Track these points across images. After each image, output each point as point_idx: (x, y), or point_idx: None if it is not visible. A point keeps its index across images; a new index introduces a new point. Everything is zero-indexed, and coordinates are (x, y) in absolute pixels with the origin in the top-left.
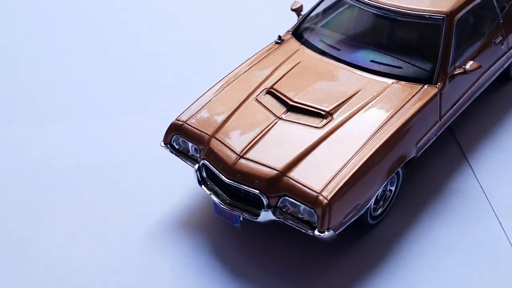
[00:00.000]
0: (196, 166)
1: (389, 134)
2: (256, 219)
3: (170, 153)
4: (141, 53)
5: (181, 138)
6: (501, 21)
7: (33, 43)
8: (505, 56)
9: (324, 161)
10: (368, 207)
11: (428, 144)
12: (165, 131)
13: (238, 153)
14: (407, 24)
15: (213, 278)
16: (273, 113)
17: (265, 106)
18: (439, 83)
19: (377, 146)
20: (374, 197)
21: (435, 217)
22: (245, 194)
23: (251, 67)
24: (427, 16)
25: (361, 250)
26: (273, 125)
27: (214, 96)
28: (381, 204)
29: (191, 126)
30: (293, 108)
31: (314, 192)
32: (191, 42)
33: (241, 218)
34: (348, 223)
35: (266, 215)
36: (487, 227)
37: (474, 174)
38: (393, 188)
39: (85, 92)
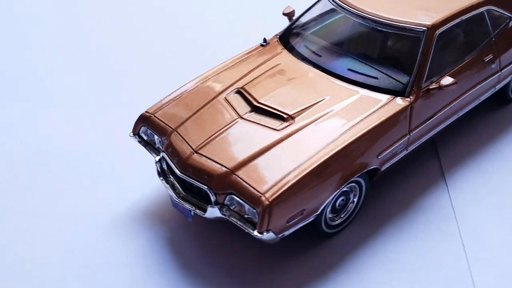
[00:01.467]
0: (157, 158)
1: (345, 143)
2: (204, 214)
3: (138, 143)
4: (126, 46)
5: (149, 130)
6: (494, 40)
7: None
8: (496, 76)
9: (275, 164)
10: (319, 214)
11: (398, 158)
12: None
13: (193, 148)
14: (389, 35)
15: (164, 270)
16: (237, 112)
17: (231, 105)
18: (411, 97)
19: (331, 153)
20: (324, 204)
21: (398, 233)
22: (197, 189)
23: (229, 67)
24: (408, 28)
25: (314, 258)
26: (233, 124)
27: (187, 92)
28: (341, 215)
29: (158, 118)
30: (256, 109)
31: (257, 192)
32: (178, 39)
33: (192, 213)
34: (294, 228)
35: (213, 211)
36: (449, 248)
37: (449, 194)
38: (356, 200)
39: (66, 82)
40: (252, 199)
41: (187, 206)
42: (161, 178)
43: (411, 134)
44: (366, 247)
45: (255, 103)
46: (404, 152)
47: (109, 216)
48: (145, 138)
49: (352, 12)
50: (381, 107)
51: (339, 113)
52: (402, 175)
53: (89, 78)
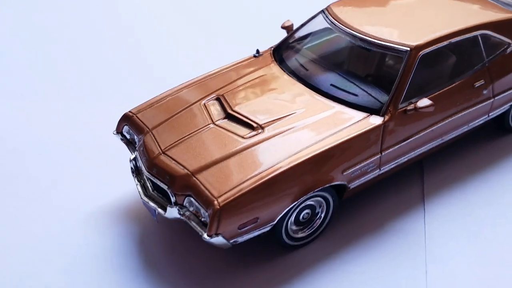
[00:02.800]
0: (132, 156)
1: (307, 156)
2: (165, 214)
3: (121, 141)
4: (122, 46)
5: (130, 129)
6: (487, 65)
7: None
8: (488, 103)
9: (235, 170)
10: (277, 225)
11: (370, 177)
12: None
13: (162, 148)
14: (375, 53)
15: (127, 265)
16: (211, 118)
17: (208, 111)
18: (386, 116)
19: (290, 165)
20: (281, 215)
21: (363, 252)
22: (163, 189)
23: (216, 74)
24: (391, 47)
25: (273, 268)
26: (204, 129)
27: (170, 96)
28: (305, 230)
29: (138, 118)
30: (230, 116)
31: (211, 196)
32: (176, 44)
33: (156, 212)
34: (248, 235)
35: (172, 212)
36: (411, 273)
37: (424, 219)
38: (322, 215)
39: (57, 76)
40: (206, 202)
41: (152, 204)
42: (134, 176)
43: (383, 153)
44: (328, 263)
45: (229, 111)
46: (377, 172)
47: (89, 210)
48: (128, 137)
49: (341, 28)
50: (353, 124)
51: (309, 127)
52: (382, 194)
53: (85, 74)
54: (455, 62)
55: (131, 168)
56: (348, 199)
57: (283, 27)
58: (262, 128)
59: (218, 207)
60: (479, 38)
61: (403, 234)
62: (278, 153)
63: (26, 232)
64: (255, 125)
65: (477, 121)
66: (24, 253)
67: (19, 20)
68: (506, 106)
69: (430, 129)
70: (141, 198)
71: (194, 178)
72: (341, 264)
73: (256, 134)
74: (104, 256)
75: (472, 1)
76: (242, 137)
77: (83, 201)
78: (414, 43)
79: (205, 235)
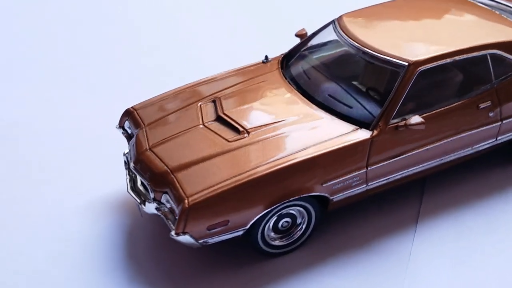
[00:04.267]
0: (126, 150)
1: (284, 164)
2: (144, 208)
3: (122, 135)
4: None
5: (130, 124)
6: (495, 86)
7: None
8: (495, 126)
9: (214, 171)
10: (251, 230)
11: (355, 191)
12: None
13: (150, 145)
14: (376, 66)
15: (110, 256)
16: (202, 119)
17: (201, 112)
18: (375, 130)
19: (265, 172)
20: (254, 220)
21: (343, 267)
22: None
23: (220, 77)
24: (390, 61)
25: (250, 272)
26: (193, 130)
27: (172, 95)
28: (284, 238)
29: (138, 114)
30: (219, 119)
31: (184, 194)
32: (197, 43)
33: (140, 206)
34: (219, 237)
35: (150, 207)
36: None
37: (413, 241)
38: (304, 226)
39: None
40: (178, 200)
41: (135, 197)
42: (126, 169)
43: (368, 168)
44: (305, 273)
45: (220, 113)
46: (364, 187)
47: (88, 199)
48: (129, 131)
49: (345, 39)
50: (339, 136)
51: (294, 135)
52: (375, 211)
53: (98, 68)
54: (460, 80)
55: (124, 161)
56: (339, 212)
57: (296, 35)
58: (248, 132)
59: (187, 205)
60: (488, 58)
61: (388, 253)
62: (257, 158)
63: (24, 216)
64: (241, 129)
65: (482, 144)
66: (20, 235)
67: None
68: None
69: (425, 148)
70: (128, 191)
71: (172, 176)
72: (318, 276)
73: (241, 138)
74: (92, 245)
75: (490, 19)
76: (227, 140)
77: (84, 190)
78: (413, 58)
79: (172, 233)
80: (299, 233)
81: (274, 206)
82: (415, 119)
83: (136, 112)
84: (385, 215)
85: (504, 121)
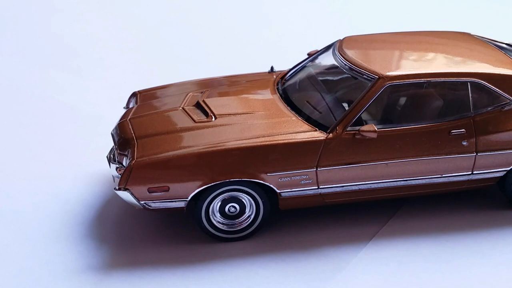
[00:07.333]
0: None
1: (229, 147)
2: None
3: None
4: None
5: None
6: (473, 116)
7: None
8: (468, 156)
9: (169, 143)
10: (196, 205)
11: (305, 190)
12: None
13: (129, 117)
14: (353, 78)
15: (84, 215)
16: (184, 104)
17: (187, 99)
18: (331, 133)
19: (210, 149)
20: (194, 193)
21: (277, 262)
22: None
23: (221, 78)
24: (364, 72)
25: (191, 250)
26: (172, 110)
27: (176, 83)
28: (231, 223)
29: (140, 97)
30: (198, 104)
31: (135, 156)
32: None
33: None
34: (160, 203)
35: (113, 167)
36: None
37: (358, 255)
38: (252, 216)
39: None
40: (130, 160)
41: (111, 164)
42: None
43: (318, 169)
44: (237, 262)
45: (200, 100)
46: (315, 188)
47: (86, 168)
48: None
49: (335, 54)
50: (294, 132)
51: (255, 125)
52: (335, 221)
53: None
54: (436, 103)
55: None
56: (298, 215)
57: (308, 55)
58: (215, 117)
59: (132, 163)
60: (469, 86)
61: (327, 259)
62: (210, 138)
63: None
64: (210, 113)
65: (455, 174)
66: (22, 190)
67: None
68: (500, 170)
69: (383, 162)
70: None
71: (134, 142)
72: (250, 265)
73: (207, 121)
74: (71, 206)
75: (487, 53)
76: (194, 121)
77: (84, 161)
78: (384, 73)
79: (116, 186)
80: (247, 223)
81: (215, 183)
82: (369, 127)
83: (140, 94)
84: (343, 227)
85: (479, 153)
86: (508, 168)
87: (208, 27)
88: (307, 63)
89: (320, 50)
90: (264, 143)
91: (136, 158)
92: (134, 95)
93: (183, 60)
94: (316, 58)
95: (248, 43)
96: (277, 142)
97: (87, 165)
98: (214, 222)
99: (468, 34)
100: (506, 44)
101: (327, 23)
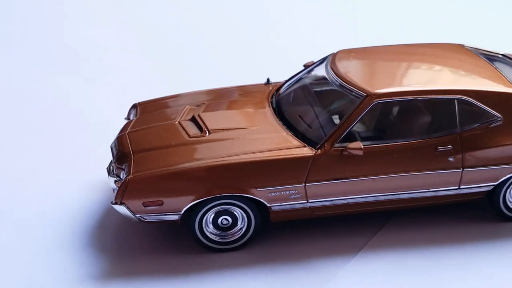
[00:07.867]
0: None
1: (221, 163)
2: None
3: None
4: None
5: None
6: (459, 132)
7: None
8: (454, 171)
9: (164, 158)
10: (190, 217)
11: (295, 205)
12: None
13: (128, 130)
14: (343, 94)
15: (86, 224)
16: (180, 117)
17: (184, 112)
18: (319, 150)
19: (201, 165)
20: (186, 207)
21: (266, 273)
22: None
23: (217, 90)
24: (352, 89)
25: (185, 260)
26: (168, 124)
27: (174, 96)
28: (223, 236)
29: (140, 109)
30: (193, 119)
31: (131, 171)
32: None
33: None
34: (156, 216)
35: (111, 180)
36: None
37: (345, 267)
38: (243, 228)
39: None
40: (126, 175)
41: (107, 175)
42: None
43: (307, 184)
44: (227, 273)
45: (195, 115)
46: (304, 202)
47: (90, 176)
48: None
49: (327, 69)
50: (285, 149)
51: (246, 141)
52: (324, 233)
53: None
54: (423, 120)
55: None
56: (288, 227)
57: (304, 66)
58: (209, 132)
59: (127, 179)
60: (456, 103)
61: (315, 271)
62: (203, 154)
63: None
64: (204, 128)
65: (442, 189)
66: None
67: None
68: (488, 184)
69: (371, 178)
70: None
71: (131, 156)
72: (240, 275)
73: (201, 136)
74: (74, 214)
75: (478, 69)
76: (188, 136)
77: (89, 169)
78: (372, 90)
79: (113, 200)
80: (239, 234)
81: (207, 198)
82: (355, 144)
83: (139, 106)
84: (332, 239)
85: (466, 169)
86: (496, 183)
87: (217, 34)
88: (302, 75)
89: (316, 62)
90: (254, 159)
91: (132, 173)
92: (134, 106)
93: (191, 67)
94: (311, 70)
95: (256, 50)
96: (266, 158)
97: (93, 173)
98: (207, 234)
99: (461, 46)
100: (501, 54)
101: (334, 28)
